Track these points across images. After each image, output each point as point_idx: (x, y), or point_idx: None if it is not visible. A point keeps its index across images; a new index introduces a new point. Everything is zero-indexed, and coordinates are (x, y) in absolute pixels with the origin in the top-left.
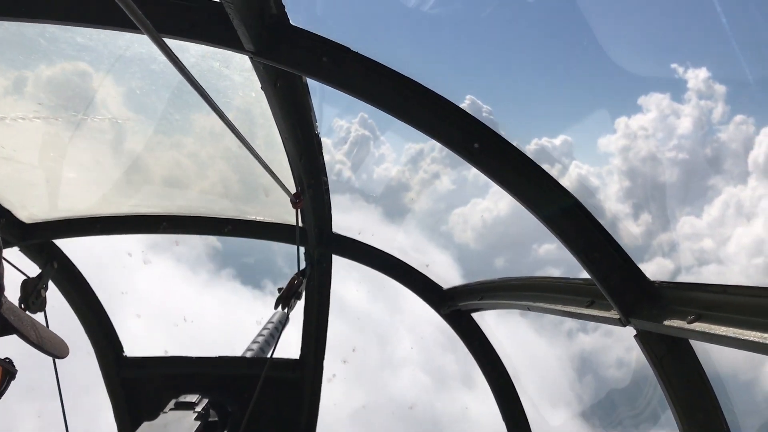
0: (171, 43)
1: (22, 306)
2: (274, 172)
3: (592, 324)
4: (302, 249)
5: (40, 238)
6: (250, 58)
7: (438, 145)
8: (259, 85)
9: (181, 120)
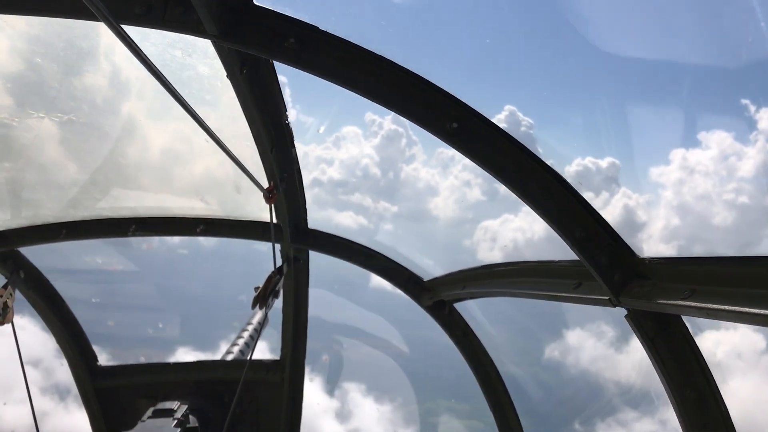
0: (130, 32)
1: None
2: (245, 166)
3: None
4: (278, 246)
5: (3, 247)
6: (214, 43)
7: None
8: (225, 74)
9: (147, 118)
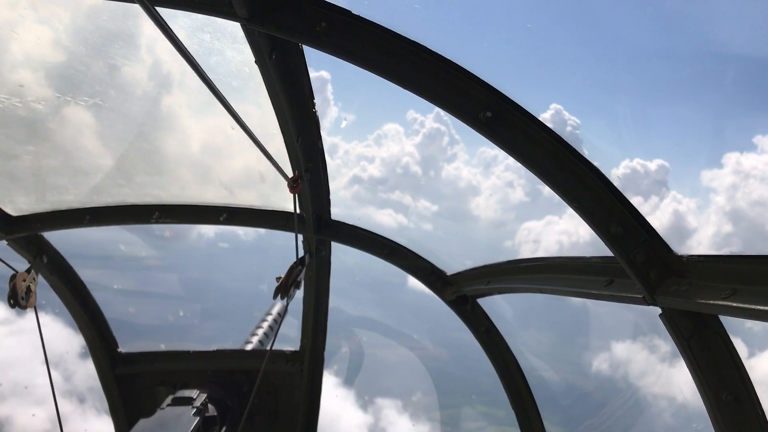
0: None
1: (11, 302)
2: (270, 154)
3: None
4: (300, 236)
5: (27, 231)
6: (243, 27)
7: None
8: (253, 59)
9: (176, 106)
